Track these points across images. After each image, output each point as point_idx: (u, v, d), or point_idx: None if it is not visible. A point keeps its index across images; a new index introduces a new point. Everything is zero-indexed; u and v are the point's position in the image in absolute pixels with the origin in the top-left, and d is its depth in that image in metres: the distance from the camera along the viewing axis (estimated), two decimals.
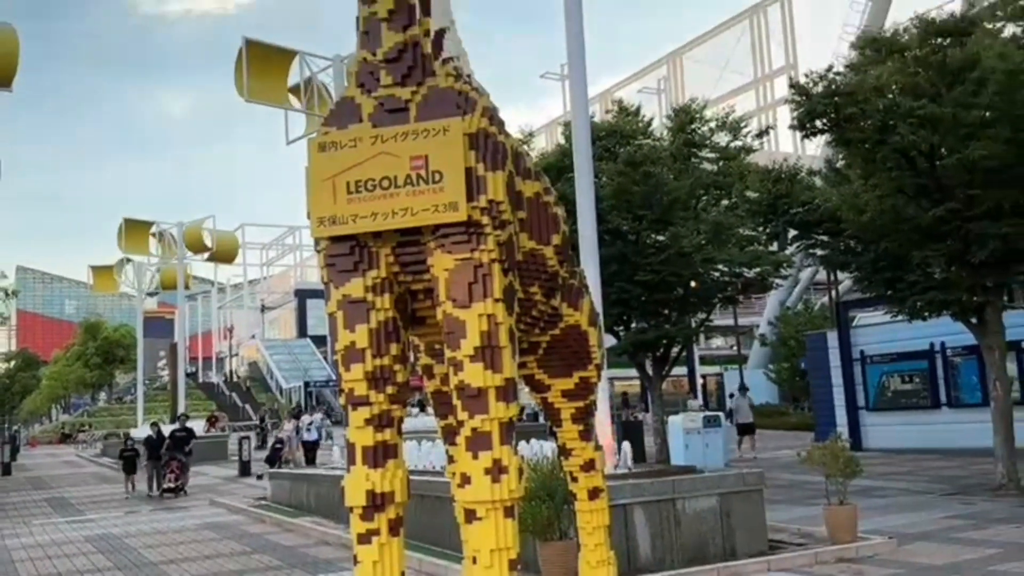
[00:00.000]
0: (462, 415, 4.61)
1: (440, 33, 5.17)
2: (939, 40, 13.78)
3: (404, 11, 4.91)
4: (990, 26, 14.34)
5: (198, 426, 32.26)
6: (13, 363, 76.79)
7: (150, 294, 52.61)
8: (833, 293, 37.56)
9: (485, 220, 4.67)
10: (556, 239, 5.77)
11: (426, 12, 5.03)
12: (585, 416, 6.47)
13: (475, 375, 4.58)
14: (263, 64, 24.19)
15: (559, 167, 19.95)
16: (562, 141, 23.88)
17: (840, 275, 32.09)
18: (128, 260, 46.81)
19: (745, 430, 24.52)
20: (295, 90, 25.42)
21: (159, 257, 45.67)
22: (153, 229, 44.56)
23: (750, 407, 25.46)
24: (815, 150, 40.61)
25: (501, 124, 5.07)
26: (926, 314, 15.57)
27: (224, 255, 46.98)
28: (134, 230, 43.98)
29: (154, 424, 25.31)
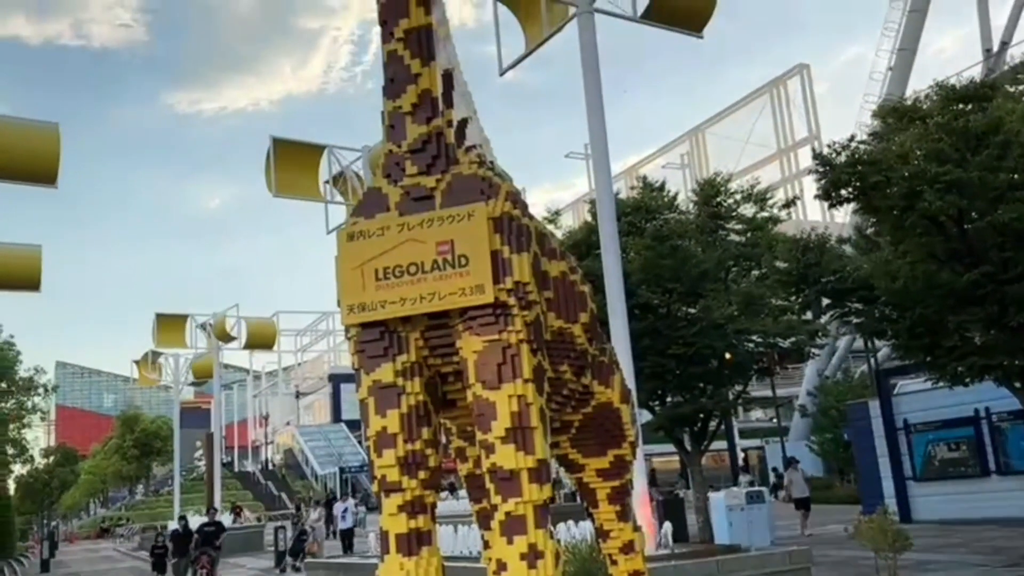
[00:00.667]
0: (495, 499, 4.57)
1: (463, 123, 5.33)
2: (961, 106, 13.88)
3: (427, 104, 5.08)
4: (1012, 89, 14.43)
5: (227, 519, 32.04)
6: (52, 458, 77.36)
7: (192, 384, 53.09)
8: (872, 361, 36.94)
9: (512, 301, 4.72)
10: (584, 317, 5.79)
11: (448, 104, 5.20)
12: (622, 495, 6.37)
13: (507, 457, 4.55)
14: (291, 160, 24.95)
15: (587, 244, 20.09)
16: (589, 218, 24.08)
17: (878, 342, 31.61)
18: (158, 354, 47.33)
19: (802, 505, 23.55)
20: (334, 179, 26.17)
21: (194, 349, 46.19)
22: (188, 322, 45.17)
23: (805, 480, 24.57)
24: (843, 218, 40.55)
25: (525, 207, 5.16)
26: (968, 380, 15.26)
27: (261, 342, 47.40)
28: (167, 324, 44.63)
29: (181, 518, 25.15)
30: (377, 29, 5.25)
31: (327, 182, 26.27)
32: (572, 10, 14.64)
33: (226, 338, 44.21)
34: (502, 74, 16.69)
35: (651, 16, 15.96)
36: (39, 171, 19.86)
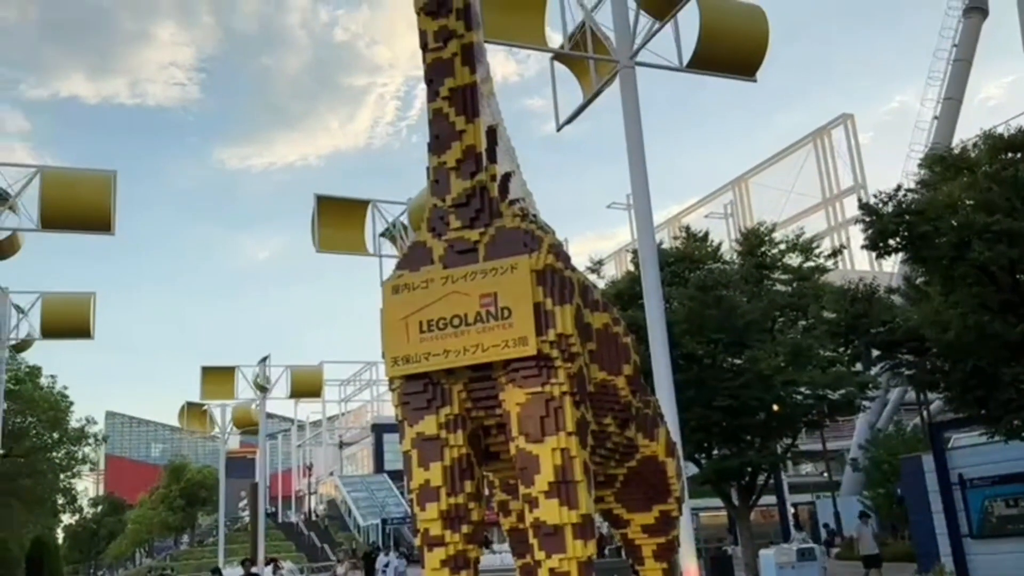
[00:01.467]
0: (539, 554, 4.53)
1: (506, 177, 5.41)
2: (1009, 155, 13.68)
3: (471, 160, 5.18)
4: None
5: (267, 571, 32.04)
6: (100, 508, 78.12)
7: (241, 432, 53.54)
8: (925, 414, 36.00)
9: (555, 353, 4.73)
10: (627, 369, 5.78)
11: (492, 159, 5.29)
12: (668, 552, 6.27)
13: (550, 512, 4.52)
14: (335, 216, 25.40)
15: (630, 293, 20.05)
16: (632, 268, 24.06)
17: (930, 395, 30.83)
18: (200, 405, 47.82)
19: (871, 562, 22.51)
20: (386, 231, 26.58)
21: (238, 400, 46.65)
22: (236, 373, 45.68)
23: (874, 536, 23.48)
24: (892, 267, 39.96)
25: (567, 259, 5.20)
26: None
27: (307, 390, 47.73)
28: (214, 376, 45.21)
29: (215, 571, 25.29)
30: (423, 85, 5.39)
31: (382, 234, 26.67)
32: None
33: (263, 389, 44.56)
34: (559, 129, 16.78)
35: (698, 65, 15.79)
36: (94, 219, 20.50)
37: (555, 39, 16.64)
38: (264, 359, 44.19)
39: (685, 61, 15.75)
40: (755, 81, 16.64)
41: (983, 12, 40.41)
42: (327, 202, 25.72)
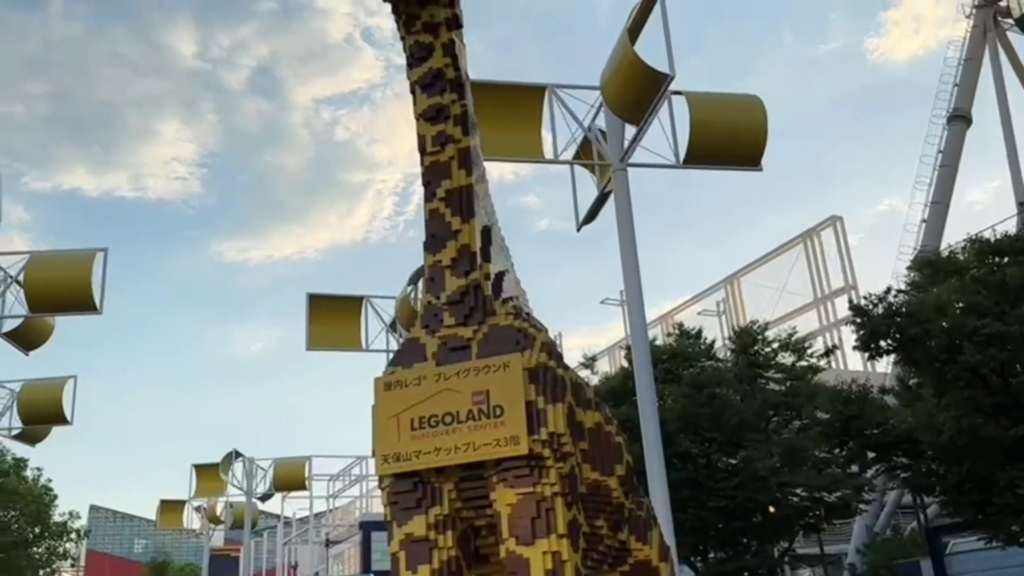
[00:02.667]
0: None
1: (500, 275, 5.50)
2: (996, 259, 13.93)
3: (466, 259, 5.28)
4: None
5: None
6: None
7: (229, 528, 52.21)
8: (922, 517, 35.40)
9: (547, 453, 4.72)
10: (620, 469, 5.74)
11: (486, 258, 5.40)
12: None
13: None
14: (329, 314, 25.13)
15: (623, 390, 19.97)
16: (625, 364, 24.03)
17: (927, 498, 30.42)
18: (178, 502, 46.82)
19: None
20: (391, 326, 26.37)
21: (229, 497, 45.72)
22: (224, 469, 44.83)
23: None
24: (885, 367, 39.97)
25: (560, 357, 5.24)
26: (1023, 539, 14.58)
27: (290, 483, 46.67)
28: (205, 473, 44.41)
29: None
30: (420, 182, 5.54)
31: (388, 329, 26.48)
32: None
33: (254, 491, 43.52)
34: (579, 229, 16.28)
35: (696, 160, 15.54)
36: (77, 298, 20.25)
37: (560, 143, 16.79)
38: (240, 456, 43.13)
39: (682, 158, 15.46)
40: (760, 170, 16.13)
41: (967, 120, 41.61)
42: (319, 300, 25.45)
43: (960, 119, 41.35)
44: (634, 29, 14.08)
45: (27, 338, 23.15)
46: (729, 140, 15.78)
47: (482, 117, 6.44)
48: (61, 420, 25.81)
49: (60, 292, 20.30)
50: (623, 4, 15.30)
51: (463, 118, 5.43)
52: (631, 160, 15.06)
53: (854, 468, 20.54)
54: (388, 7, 5.33)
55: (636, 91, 13.94)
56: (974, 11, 38.00)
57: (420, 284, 23.45)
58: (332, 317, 25.25)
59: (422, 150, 5.44)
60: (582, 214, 16.67)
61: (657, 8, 13.72)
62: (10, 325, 22.46)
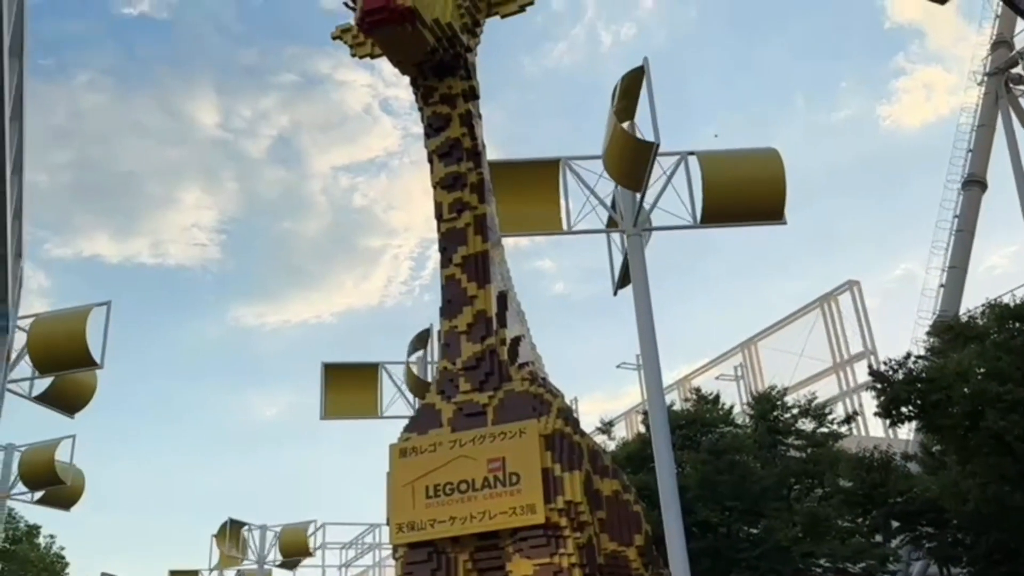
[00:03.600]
0: None
1: (516, 341, 5.50)
2: (1016, 324, 13.79)
3: (482, 324, 5.29)
4: None
5: None
6: None
7: None
8: None
9: (564, 522, 4.65)
10: (639, 539, 5.64)
11: (502, 324, 5.40)
12: None
13: None
14: (344, 382, 24.83)
15: (641, 457, 19.70)
16: (642, 429, 23.75)
17: (953, 569, 29.58)
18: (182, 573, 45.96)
19: None
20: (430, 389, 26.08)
21: (246, 566, 44.84)
22: (244, 534, 44.06)
23: None
24: (907, 434, 39.30)
25: (576, 424, 5.20)
26: None
27: (295, 550, 45.53)
28: (222, 541, 43.63)
29: None
30: (436, 246, 5.58)
31: (402, 394, 26.22)
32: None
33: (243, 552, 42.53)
34: (615, 293, 16.26)
35: (713, 219, 15.38)
36: (77, 355, 20.20)
37: (577, 211, 16.76)
38: (240, 524, 42.32)
39: (699, 218, 15.46)
40: (784, 223, 15.79)
41: (982, 185, 41.65)
42: (335, 369, 25.16)
43: (975, 184, 41.43)
44: (627, 105, 14.56)
45: (66, 400, 22.94)
46: (746, 195, 15.55)
47: (501, 195, 6.53)
48: (56, 480, 25.41)
49: (59, 348, 20.32)
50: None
51: (479, 186, 5.50)
52: (650, 224, 15.16)
53: (878, 537, 20.05)
54: (407, 79, 5.45)
55: (629, 161, 14.24)
56: (986, 79, 38.38)
57: (420, 353, 23.44)
58: (347, 385, 24.91)
59: (439, 217, 5.49)
60: (616, 277, 16.58)
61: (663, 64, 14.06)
62: (39, 388, 22.37)
